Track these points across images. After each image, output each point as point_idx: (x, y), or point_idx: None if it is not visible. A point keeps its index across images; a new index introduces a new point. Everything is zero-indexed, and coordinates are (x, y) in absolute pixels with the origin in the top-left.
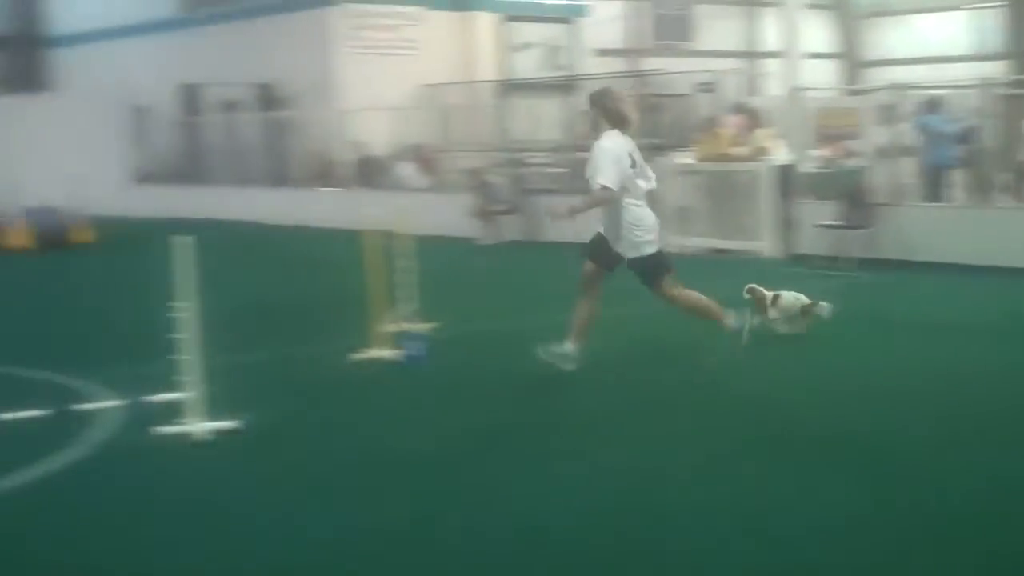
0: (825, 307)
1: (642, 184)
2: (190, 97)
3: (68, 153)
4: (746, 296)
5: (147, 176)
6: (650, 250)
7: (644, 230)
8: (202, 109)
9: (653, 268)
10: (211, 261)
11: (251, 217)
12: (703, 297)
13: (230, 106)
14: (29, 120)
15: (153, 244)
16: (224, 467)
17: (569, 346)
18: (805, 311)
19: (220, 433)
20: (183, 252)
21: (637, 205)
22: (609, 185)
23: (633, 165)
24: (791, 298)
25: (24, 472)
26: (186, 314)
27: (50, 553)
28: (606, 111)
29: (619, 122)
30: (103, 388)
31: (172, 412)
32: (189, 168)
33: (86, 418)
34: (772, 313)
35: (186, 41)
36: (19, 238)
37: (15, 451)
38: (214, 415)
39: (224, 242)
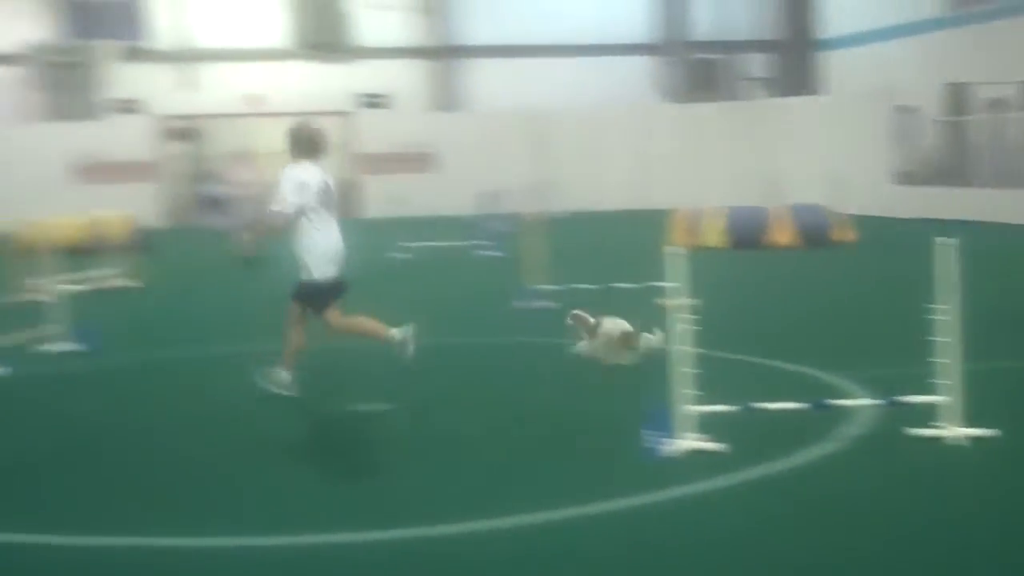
0: (653, 338)
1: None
2: (955, 96)
3: (831, 152)
4: (568, 323)
5: (907, 176)
6: (312, 276)
7: (314, 256)
8: (967, 109)
9: (310, 295)
10: (972, 264)
11: (1020, 220)
12: (366, 321)
13: (997, 105)
14: (795, 120)
15: (913, 245)
16: (975, 477)
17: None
18: (625, 339)
19: (976, 440)
20: (944, 254)
21: (317, 230)
22: (279, 209)
23: (325, 192)
24: (610, 324)
25: (781, 460)
26: (946, 317)
27: (730, 550)
28: (298, 142)
29: (310, 152)
30: (858, 385)
31: (926, 415)
32: (951, 169)
33: (841, 414)
34: (594, 341)
35: (952, 40)
36: (784, 235)
37: (775, 439)
38: (971, 421)
39: (988, 246)
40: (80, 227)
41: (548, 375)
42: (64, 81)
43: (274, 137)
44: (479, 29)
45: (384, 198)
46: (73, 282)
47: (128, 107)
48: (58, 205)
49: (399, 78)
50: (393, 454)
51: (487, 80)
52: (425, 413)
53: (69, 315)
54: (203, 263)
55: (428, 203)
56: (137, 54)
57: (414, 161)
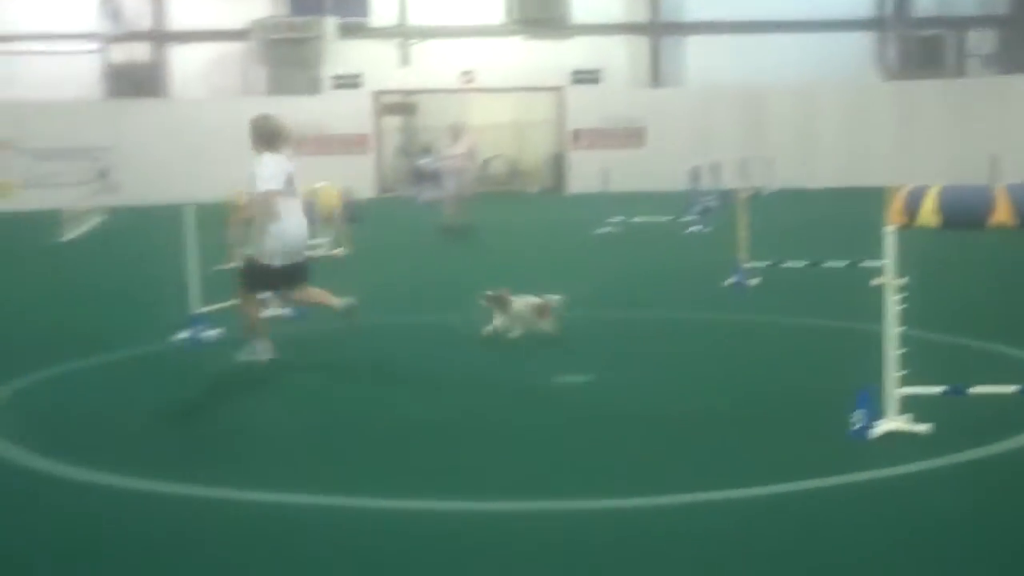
0: (556, 299)
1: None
2: None
3: None
4: (482, 303)
5: None
6: (263, 260)
7: (273, 242)
8: None
9: (249, 276)
10: None
11: None
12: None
13: None
14: (1019, 99)
15: None
16: None
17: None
18: (539, 311)
19: None
20: None
21: (282, 218)
22: (273, 188)
23: (289, 182)
24: (521, 303)
25: (989, 445)
26: None
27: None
28: (263, 135)
29: (272, 144)
30: None
31: None
32: None
33: None
34: (505, 319)
35: None
36: (1002, 215)
37: (983, 423)
38: None
39: None
40: None
41: (750, 351)
42: (287, 56)
43: (487, 112)
44: (693, 4)
45: (594, 173)
46: None
47: (347, 82)
48: None
49: (611, 54)
50: (589, 428)
51: (700, 55)
52: (627, 388)
53: None
54: (411, 234)
55: (638, 178)
56: (357, 30)
57: (624, 136)
